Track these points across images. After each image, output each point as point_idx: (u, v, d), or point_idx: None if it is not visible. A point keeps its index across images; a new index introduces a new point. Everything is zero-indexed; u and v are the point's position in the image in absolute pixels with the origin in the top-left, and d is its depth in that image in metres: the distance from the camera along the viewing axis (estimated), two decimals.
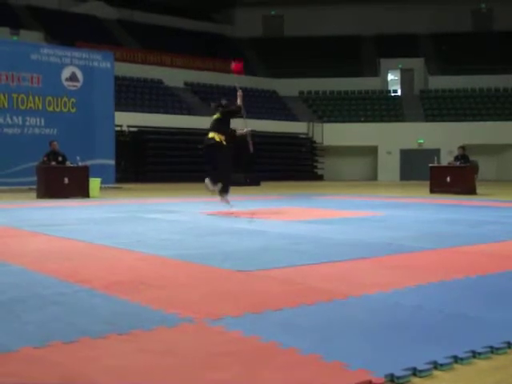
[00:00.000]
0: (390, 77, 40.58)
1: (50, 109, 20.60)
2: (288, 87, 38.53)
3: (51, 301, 3.49)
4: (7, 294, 3.70)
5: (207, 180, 9.55)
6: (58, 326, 2.95)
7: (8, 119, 19.81)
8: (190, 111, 32.14)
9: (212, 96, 34.57)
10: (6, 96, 19.77)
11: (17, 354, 2.51)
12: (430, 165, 17.79)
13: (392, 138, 34.76)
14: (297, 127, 35.50)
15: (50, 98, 20.57)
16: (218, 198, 9.96)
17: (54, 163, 15.28)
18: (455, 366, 2.42)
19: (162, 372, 2.31)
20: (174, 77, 34.52)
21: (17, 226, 7.84)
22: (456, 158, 17.42)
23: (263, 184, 25.08)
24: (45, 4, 36.05)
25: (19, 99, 20.02)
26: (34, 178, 15.68)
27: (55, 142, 15.73)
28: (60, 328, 2.91)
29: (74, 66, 21.29)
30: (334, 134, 35.19)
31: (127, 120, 28.21)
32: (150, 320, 3.04)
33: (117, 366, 2.37)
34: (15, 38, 29.81)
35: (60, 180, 14.93)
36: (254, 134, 10.02)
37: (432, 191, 17.02)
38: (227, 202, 9.72)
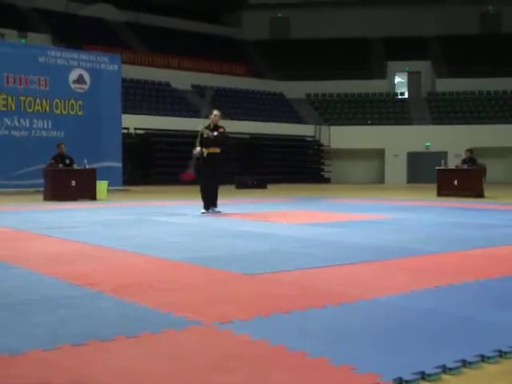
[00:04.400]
0: (397, 79, 40.53)
1: (58, 111, 20.67)
2: (295, 90, 38.53)
3: (60, 304, 3.50)
4: (16, 296, 3.71)
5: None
6: (67, 328, 2.96)
7: (15, 122, 19.89)
8: (197, 113, 32.19)
9: (219, 98, 34.68)
10: (14, 99, 19.85)
11: (25, 356, 2.52)
12: (437, 168, 17.73)
13: (399, 140, 34.69)
14: (303, 130, 35.49)
15: (57, 100, 20.64)
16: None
17: (61, 166, 15.33)
18: (464, 370, 2.40)
19: (171, 375, 2.31)
20: (181, 79, 34.57)
21: (24, 228, 7.86)
22: (464, 161, 17.36)
23: (270, 187, 25.07)
24: (52, 7, 36.18)
25: (27, 102, 20.09)
26: (41, 181, 15.73)
27: (63, 145, 15.77)
28: (68, 331, 2.91)
29: (81, 69, 21.36)
30: (340, 136, 35.16)
31: (134, 122, 28.27)
32: (158, 323, 3.04)
33: (125, 368, 2.38)
34: (23, 40, 29.95)
35: (67, 182, 14.97)
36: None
37: (439, 194, 16.95)
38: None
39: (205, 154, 10.41)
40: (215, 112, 10.78)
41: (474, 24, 41.55)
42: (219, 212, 10.36)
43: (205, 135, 10.43)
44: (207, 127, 10.55)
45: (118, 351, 2.61)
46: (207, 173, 10.45)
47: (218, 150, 10.49)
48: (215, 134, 10.42)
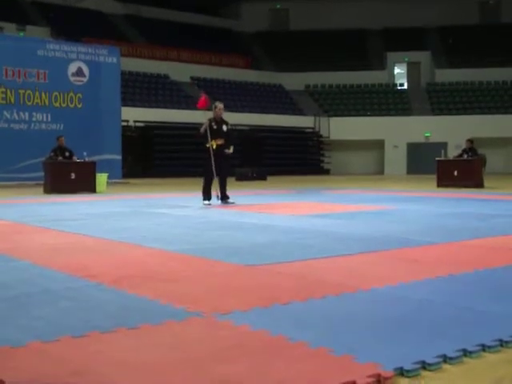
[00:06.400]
0: (397, 70, 40.44)
1: (57, 104, 20.65)
2: (294, 81, 38.46)
3: (60, 296, 3.50)
4: (16, 289, 3.71)
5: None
6: (67, 320, 2.96)
7: (15, 115, 19.87)
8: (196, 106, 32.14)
9: (218, 91, 34.61)
10: (13, 92, 19.83)
11: (26, 348, 2.52)
12: (437, 158, 17.72)
13: (399, 131, 34.66)
14: (303, 121, 35.45)
15: (56, 93, 20.61)
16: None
17: (60, 158, 15.32)
18: (465, 359, 2.40)
19: (171, 366, 2.31)
20: (181, 71, 34.51)
21: (24, 221, 7.86)
22: (464, 151, 17.35)
23: (270, 178, 25.07)
24: None
25: (26, 95, 20.07)
26: (41, 174, 15.73)
27: (62, 138, 15.75)
28: (69, 322, 2.91)
29: (80, 61, 21.32)
30: (340, 127, 35.13)
31: (134, 115, 28.23)
32: (158, 314, 3.04)
33: (126, 360, 2.38)
34: (22, 33, 29.87)
35: (67, 175, 14.97)
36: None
37: (439, 185, 16.96)
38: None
39: (214, 147, 10.41)
40: (220, 105, 10.78)
41: (473, 14, 41.42)
42: (233, 203, 10.42)
43: (214, 127, 10.45)
44: (213, 120, 10.56)
45: (118, 343, 2.61)
46: (216, 166, 10.43)
47: (222, 142, 10.53)
48: (224, 128, 10.62)
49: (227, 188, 10.84)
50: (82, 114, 21.00)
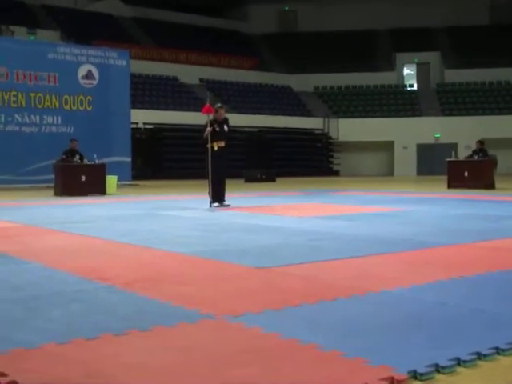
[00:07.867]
0: (406, 71, 40.32)
1: (67, 107, 20.73)
2: (303, 83, 38.42)
3: (72, 298, 3.51)
4: (28, 291, 3.72)
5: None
6: (80, 322, 2.97)
7: (26, 118, 19.97)
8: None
9: (227, 93, 34.64)
10: (24, 95, 19.94)
11: (39, 350, 2.53)
12: (448, 159, 17.65)
13: (408, 132, 34.55)
14: (312, 123, 35.41)
15: (66, 96, 20.70)
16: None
17: (76, 158, 15.38)
18: (479, 362, 2.39)
19: (184, 368, 2.31)
20: (189, 74, 34.56)
21: (35, 223, 7.89)
22: (474, 152, 17.28)
23: (278, 180, 25.05)
24: (61, 3, 36.22)
25: (36, 98, 20.16)
26: (52, 176, 15.78)
27: (76, 142, 15.77)
28: (82, 325, 2.92)
29: (90, 64, 21.40)
30: (349, 129, 35.06)
31: (143, 117, 28.30)
32: (170, 317, 3.04)
33: (138, 362, 2.38)
34: (32, 37, 30.02)
35: (77, 178, 15.03)
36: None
37: (450, 186, 16.88)
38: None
39: (215, 148, 10.47)
40: (221, 110, 10.86)
41: (483, 14, 41.24)
42: (228, 205, 10.42)
43: (217, 129, 10.50)
44: (214, 122, 10.59)
45: (130, 345, 2.61)
46: (216, 166, 10.48)
47: (223, 144, 10.58)
48: (226, 128, 10.61)
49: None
50: (92, 116, 21.08)
